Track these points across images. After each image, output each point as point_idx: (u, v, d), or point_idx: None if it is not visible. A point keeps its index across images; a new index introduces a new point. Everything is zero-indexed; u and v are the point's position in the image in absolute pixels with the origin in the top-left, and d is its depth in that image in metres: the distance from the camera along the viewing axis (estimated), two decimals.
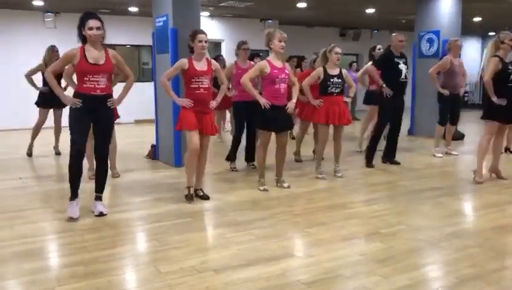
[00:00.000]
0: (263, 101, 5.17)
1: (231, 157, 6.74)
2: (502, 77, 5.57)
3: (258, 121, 5.38)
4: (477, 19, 14.70)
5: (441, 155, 7.61)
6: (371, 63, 7.25)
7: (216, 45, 14.00)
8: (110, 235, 3.98)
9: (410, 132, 10.50)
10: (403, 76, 6.65)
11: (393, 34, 6.84)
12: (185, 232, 4.05)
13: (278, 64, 5.29)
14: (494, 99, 5.56)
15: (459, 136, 9.56)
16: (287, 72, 5.32)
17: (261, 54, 9.31)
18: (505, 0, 11.19)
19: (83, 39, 4.28)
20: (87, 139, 4.39)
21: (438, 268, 3.36)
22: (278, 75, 5.22)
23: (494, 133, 5.76)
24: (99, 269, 3.27)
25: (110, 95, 4.35)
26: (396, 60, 6.65)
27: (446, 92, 7.31)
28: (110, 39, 8.95)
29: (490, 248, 3.65)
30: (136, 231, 4.12)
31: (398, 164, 6.99)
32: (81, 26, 4.25)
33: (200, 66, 4.83)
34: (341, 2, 11.39)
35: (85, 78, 4.18)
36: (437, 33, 9.75)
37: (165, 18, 6.88)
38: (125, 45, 13.43)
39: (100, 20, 4.29)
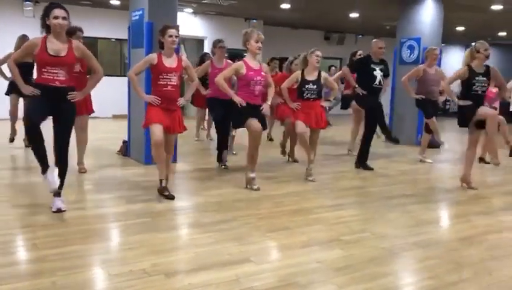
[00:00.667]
0: (238, 99, 5.08)
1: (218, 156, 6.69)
2: (466, 86, 5.64)
3: (233, 119, 5.30)
4: (460, 28, 14.80)
5: (430, 161, 7.65)
6: (347, 65, 7.24)
7: (199, 42, 13.85)
8: (64, 233, 3.83)
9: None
10: (376, 82, 6.63)
11: (374, 40, 6.83)
12: (143, 233, 3.92)
13: (255, 65, 5.20)
14: (455, 100, 5.66)
15: (436, 145, 9.56)
16: (263, 74, 5.23)
17: (245, 54, 9.19)
18: (488, 11, 11.26)
19: (47, 29, 4.13)
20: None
21: (396, 279, 3.29)
22: (253, 76, 5.13)
23: (474, 140, 5.74)
24: (45, 268, 3.13)
25: (72, 88, 4.20)
26: (372, 65, 6.64)
27: (420, 96, 7.32)
28: (93, 32, 8.85)
29: (451, 260, 3.59)
30: (92, 230, 3.97)
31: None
32: (46, 15, 4.10)
33: (170, 62, 4.71)
34: (325, 5, 11.33)
35: (43, 70, 4.03)
36: (418, 40, 9.75)
37: (141, 12, 6.73)
38: (110, 39, 13.24)
39: (66, 10, 4.14)
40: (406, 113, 9.72)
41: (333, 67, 13.03)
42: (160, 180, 4.89)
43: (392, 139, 7.34)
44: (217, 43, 6.51)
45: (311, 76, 5.91)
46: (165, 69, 4.65)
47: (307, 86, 5.85)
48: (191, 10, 12.81)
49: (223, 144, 6.63)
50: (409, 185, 6.17)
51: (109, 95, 10.38)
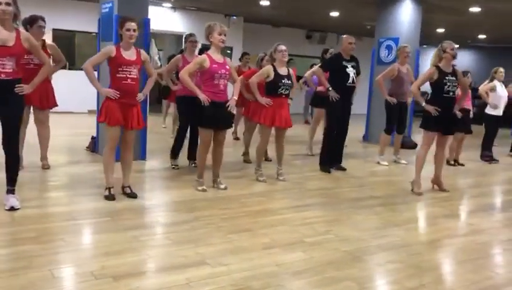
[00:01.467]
0: (202, 97, 4.94)
1: (173, 154, 6.47)
2: (437, 87, 5.51)
3: (197, 118, 5.14)
4: (440, 30, 14.85)
5: (386, 163, 7.54)
6: (319, 65, 7.09)
7: (178, 38, 13.64)
8: (13, 232, 3.67)
9: (365, 139, 10.47)
10: (350, 80, 6.49)
11: (344, 36, 6.71)
12: (97, 233, 3.78)
13: (218, 58, 5.07)
14: (423, 104, 5.55)
15: (411, 145, 9.55)
16: (227, 67, 5.10)
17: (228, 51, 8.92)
18: (466, 13, 11.29)
19: None
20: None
21: (354, 284, 3.19)
22: (217, 70, 4.99)
23: (431, 143, 5.68)
24: None
25: (18, 80, 4.00)
26: (344, 63, 6.50)
27: (393, 100, 7.25)
28: (71, 25, 8.46)
29: (413, 264, 3.52)
30: (44, 229, 3.80)
31: (344, 170, 6.87)
32: None
33: (129, 54, 4.55)
34: (304, 3, 11.24)
35: None
36: (396, 40, 9.71)
37: (110, 4, 6.55)
38: (88, 32, 12.95)
39: None
40: (383, 114, 9.65)
41: (315, 66, 12.94)
42: (108, 189, 4.69)
43: (339, 167, 7.04)
44: (188, 37, 6.36)
45: (283, 71, 5.79)
46: (124, 62, 4.49)
47: (283, 81, 5.69)
48: (169, 5, 12.61)
49: (195, 142, 6.48)
50: (379, 187, 6.10)
51: (85, 89, 10.15)
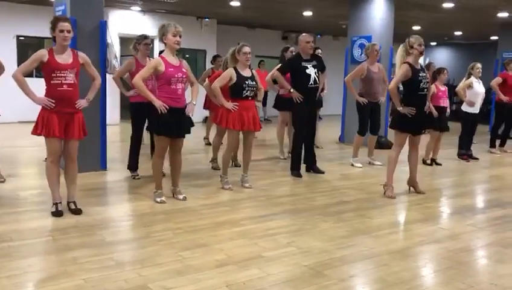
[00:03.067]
0: (158, 104, 4.60)
1: (131, 164, 6.10)
2: (412, 85, 5.21)
3: (153, 126, 4.81)
4: (416, 28, 14.70)
5: (360, 165, 7.27)
6: (277, 68, 6.74)
7: (152, 42, 13.25)
8: None
9: (341, 140, 10.22)
10: (311, 81, 6.18)
11: (302, 35, 6.37)
12: (33, 256, 3.42)
13: (174, 61, 4.74)
14: (400, 108, 5.23)
15: (388, 146, 9.31)
16: (184, 70, 4.78)
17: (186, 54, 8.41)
18: (441, 9, 11.12)
19: None
20: None
21: None
22: (173, 74, 4.66)
23: (403, 144, 5.42)
24: None
25: None
26: (303, 63, 6.17)
27: (364, 100, 6.99)
28: (40, 32, 7.94)
29: (378, 278, 3.23)
30: None
31: (322, 172, 6.58)
32: None
33: (63, 58, 4.17)
34: (275, 3, 10.97)
35: None
36: (369, 38, 9.44)
37: (63, 7, 6.19)
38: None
39: None
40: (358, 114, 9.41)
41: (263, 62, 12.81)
42: (55, 204, 4.34)
43: (316, 170, 6.78)
44: (141, 40, 6.00)
45: (246, 73, 5.48)
46: (57, 66, 4.12)
47: (247, 82, 5.38)
48: (138, 8, 12.22)
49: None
50: (351, 191, 5.81)
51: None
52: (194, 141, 9.17)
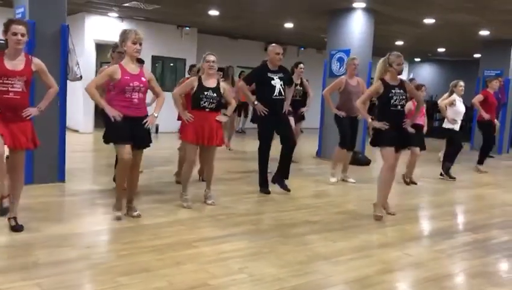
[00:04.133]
0: (112, 113, 4.32)
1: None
2: (383, 101, 5.07)
3: (109, 135, 4.52)
4: (399, 43, 14.61)
5: (334, 180, 7.04)
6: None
7: None
8: None
9: (318, 154, 9.99)
10: (276, 93, 5.92)
11: (271, 45, 6.12)
12: None
13: (133, 69, 4.47)
14: (370, 121, 5.08)
15: (365, 162, 9.11)
16: (143, 79, 4.51)
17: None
18: (422, 25, 11.02)
19: None
20: None
21: None
22: (129, 82, 4.39)
23: (391, 158, 5.16)
24: None
25: None
26: (270, 74, 5.93)
27: (342, 113, 6.79)
28: None
29: None
30: None
31: (288, 191, 6.31)
32: None
33: (13, 64, 3.88)
34: (255, 14, 10.77)
35: None
36: (347, 52, 9.28)
37: (22, 9, 5.89)
38: None
39: None
40: (336, 128, 9.18)
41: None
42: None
43: (283, 186, 6.32)
44: (115, 48, 5.68)
45: (209, 83, 5.21)
46: (5, 72, 3.81)
47: (206, 93, 5.11)
48: (116, 15, 11.94)
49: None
50: (320, 210, 5.54)
51: None
52: (166, 152, 8.89)
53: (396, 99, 5.04)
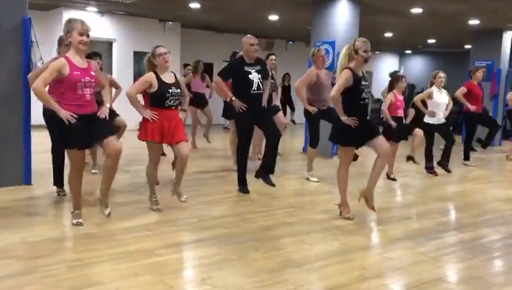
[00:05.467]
0: (64, 115, 3.97)
1: (56, 179, 5.44)
2: (353, 94, 4.65)
3: (59, 137, 4.18)
4: (388, 35, 14.31)
5: (315, 180, 6.72)
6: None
7: (109, 45, 12.60)
8: None
9: (305, 150, 9.68)
10: (254, 88, 5.62)
11: (246, 36, 5.78)
12: None
13: (81, 64, 4.12)
14: (344, 118, 4.67)
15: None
16: (92, 74, 4.17)
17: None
18: (410, 15, 10.71)
19: None
20: None
21: None
22: (79, 78, 4.05)
23: (350, 159, 4.87)
24: None
25: None
26: (247, 68, 5.62)
27: (314, 108, 6.44)
28: None
29: None
30: None
31: (273, 185, 6.00)
32: None
33: None
34: (236, 5, 10.42)
35: None
36: (332, 44, 8.99)
37: None
38: None
39: None
40: (324, 123, 8.87)
41: None
42: None
43: (267, 181, 6.10)
44: (62, 41, 5.32)
45: (168, 78, 4.81)
46: None
47: (170, 91, 4.72)
48: (95, 9, 11.56)
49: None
50: (299, 210, 5.23)
51: None
52: (138, 151, 8.54)
53: (366, 92, 4.72)
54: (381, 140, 4.77)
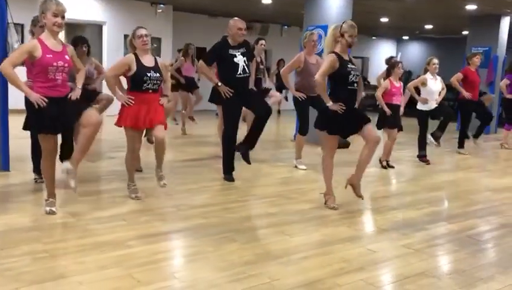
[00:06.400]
0: (34, 98, 3.79)
1: (35, 165, 5.26)
2: (339, 79, 4.48)
3: (32, 122, 3.99)
4: (384, 20, 14.03)
5: (304, 167, 6.55)
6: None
7: (100, 28, 12.33)
8: None
9: (295, 138, 9.49)
10: (239, 71, 5.43)
11: (233, 19, 5.58)
12: None
13: (55, 46, 3.92)
14: (329, 104, 4.49)
15: (343, 145, 8.62)
16: (67, 58, 3.96)
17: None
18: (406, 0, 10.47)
19: None
20: None
21: None
22: (51, 61, 3.84)
23: (335, 146, 4.70)
24: None
25: None
26: (231, 51, 5.42)
27: (302, 95, 6.24)
28: None
29: None
30: None
31: (248, 163, 5.79)
32: None
33: None
34: None
35: None
36: (325, 28, 8.72)
37: None
38: None
39: None
40: (310, 110, 8.69)
41: None
42: None
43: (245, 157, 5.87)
44: (35, 22, 5.08)
45: (148, 61, 4.62)
46: None
47: (149, 74, 4.52)
48: None
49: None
50: (282, 199, 5.06)
51: None
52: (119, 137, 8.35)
53: (354, 75, 4.52)
54: (369, 128, 4.59)
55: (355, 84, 4.54)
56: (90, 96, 5.86)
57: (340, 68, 4.43)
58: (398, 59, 10.20)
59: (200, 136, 9.21)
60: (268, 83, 8.15)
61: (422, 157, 7.50)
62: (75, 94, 4.04)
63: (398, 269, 3.40)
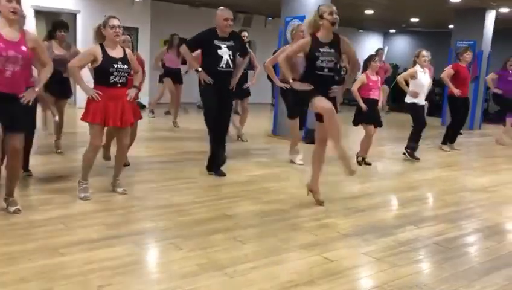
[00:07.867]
0: None
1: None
2: (308, 62, 4.32)
3: None
4: (369, 12, 13.71)
5: (301, 162, 6.32)
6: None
7: (73, 17, 11.88)
8: None
9: (274, 133, 9.20)
10: (222, 64, 5.17)
11: (220, 9, 5.29)
12: None
13: (10, 35, 3.61)
14: (291, 82, 4.35)
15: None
16: (24, 49, 3.65)
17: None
18: None
19: None
20: None
21: None
22: (1, 51, 3.53)
23: (323, 137, 4.46)
24: None
25: None
26: (217, 42, 5.16)
27: (285, 85, 5.99)
28: None
29: None
30: None
31: (223, 175, 5.55)
32: None
33: None
34: None
35: None
36: (303, 19, 8.39)
37: None
38: None
39: None
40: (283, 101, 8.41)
41: None
42: None
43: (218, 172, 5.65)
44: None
45: (116, 53, 4.33)
46: None
47: (115, 66, 4.24)
48: None
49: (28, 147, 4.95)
50: (245, 200, 4.73)
51: None
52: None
53: (323, 60, 4.25)
54: (317, 101, 4.32)
55: (327, 70, 4.27)
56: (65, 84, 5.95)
57: (309, 52, 4.25)
58: (385, 52, 9.89)
59: (189, 130, 8.97)
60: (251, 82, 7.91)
61: (411, 149, 7.16)
62: (29, 95, 3.72)
63: (352, 282, 3.11)
